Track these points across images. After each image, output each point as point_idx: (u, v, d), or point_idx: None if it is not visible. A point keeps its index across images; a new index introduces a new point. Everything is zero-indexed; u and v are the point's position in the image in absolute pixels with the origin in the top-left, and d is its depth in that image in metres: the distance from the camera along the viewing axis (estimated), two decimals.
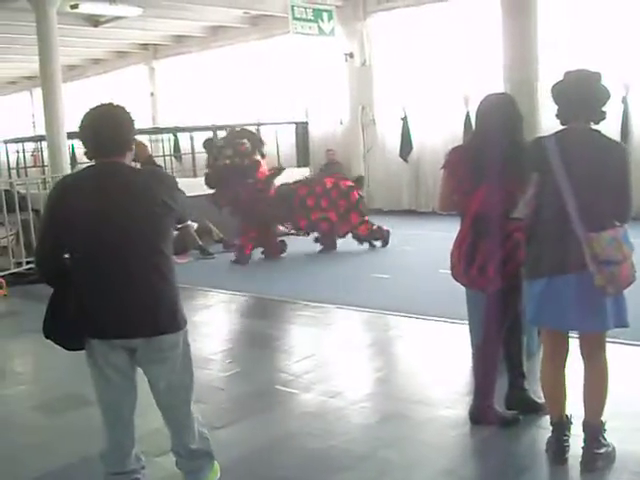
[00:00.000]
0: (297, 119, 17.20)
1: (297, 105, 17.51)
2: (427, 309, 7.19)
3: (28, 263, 9.42)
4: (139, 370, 3.25)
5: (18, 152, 18.95)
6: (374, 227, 11.52)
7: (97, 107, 3.21)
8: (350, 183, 11.57)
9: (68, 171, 10.37)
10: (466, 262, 4.24)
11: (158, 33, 18.95)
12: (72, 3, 13.18)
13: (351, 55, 16.21)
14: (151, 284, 3.11)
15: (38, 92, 15.18)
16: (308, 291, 8.60)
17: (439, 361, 5.89)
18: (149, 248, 3.12)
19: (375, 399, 5.18)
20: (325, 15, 14.83)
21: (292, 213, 11.21)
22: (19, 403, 5.61)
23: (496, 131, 4.15)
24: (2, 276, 9.20)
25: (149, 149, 4.29)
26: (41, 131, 12.69)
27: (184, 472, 3.44)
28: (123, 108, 3.22)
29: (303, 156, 16.98)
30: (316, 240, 11.71)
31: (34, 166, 19.40)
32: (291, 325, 7.71)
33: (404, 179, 15.79)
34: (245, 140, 10.70)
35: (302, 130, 17.18)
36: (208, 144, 11.33)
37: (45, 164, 14.93)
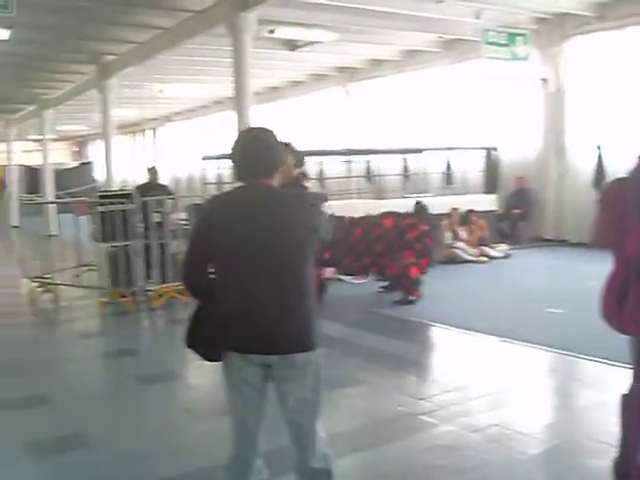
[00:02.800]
0: (487, 144, 16.94)
1: (487, 130, 17.22)
2: (598, 350, 6.63)
3: None
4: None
5: (219, 168, 20.04)
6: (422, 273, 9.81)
7: (249, 130, 3.38)
8: (412, 221, 9.84)
9: None
10: (617, 305, 3.97)
11: (354, 57, 19.35)
12: (270, 28, 13.81)
13: (545, 80, 15.72)
14: (291, 303, 3.19)
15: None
16: (462, 317, 8.42)
17: (598, 407, 5.56)
18: (292, 268, 3.19)
19: (517, 440, 4.93)
20: (519, 39, 14.47)
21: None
22: (171, 405, 5.96)
23: None
24: None
25: (294, 170, 4.41)
26: None
27: None
28: (272, 132, 3.33)
29: (491, 182, 16.69)
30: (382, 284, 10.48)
31: (228, 183, 20.42)
32: (443, 352, 7.58)
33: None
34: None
35: (492, 156, 16.90)
36: None
37: None
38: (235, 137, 3.33)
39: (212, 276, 3.32)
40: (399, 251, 9.62)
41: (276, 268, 3.16)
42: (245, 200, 3.25)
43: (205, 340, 3.30)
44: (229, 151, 3.31)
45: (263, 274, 3.16)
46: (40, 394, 6.33)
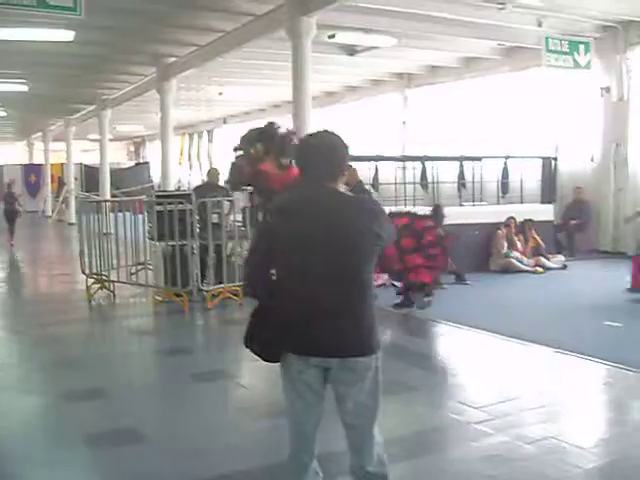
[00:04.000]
0: (545, 154, 16.74)
1: (546, 139, 17.01)
2: None
3: None
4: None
5: None
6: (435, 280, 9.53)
7: (315, 134, 3.39)
8: (428, 223, 9.48)
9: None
10: None
11: (413, 63, 19.31)
12: (330, 33, 13.86)
13: (607, 90, 15.47)
14: (353, 307, 3.20)
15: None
16: (516, 327, 8.32)
17: None
18: (354, 273, 3.21)
19: (573, 453, 4.83)
20: (581, 47, 14.26)
21: None
22: (227, 403, 6.02)
23: None
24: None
25: (358, 175, 4.43)
26: None
27: None
28: (338, 136, 3.35)
29: (548, 192, 16.48)
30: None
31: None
32: (495, 361, 7.52)
33: None
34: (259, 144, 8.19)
35: (550, 165, 16.70)
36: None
37: None
38: (301, 140, 3.35)
39: (274, 277, 3.35)
40: (411, 253, 9.20)
41: (339, 271, 3.17)
42: (310, 202, 3.26)
43: (265, 341, 3.31)
44: (295, 154, 3.36)
45: (326, 276, 3.17)
46: (99, 387, 6.46)
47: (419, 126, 21.15)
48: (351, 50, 16.64)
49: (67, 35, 13.19)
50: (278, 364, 3.32)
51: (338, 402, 3.33)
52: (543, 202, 16.14)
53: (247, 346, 3.39)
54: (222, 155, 31.72)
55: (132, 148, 44.75)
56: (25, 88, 19.69)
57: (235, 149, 8.82)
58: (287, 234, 3.23)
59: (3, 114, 26.02)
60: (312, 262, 3.19)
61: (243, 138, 8.59)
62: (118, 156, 40.65)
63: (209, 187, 11.15)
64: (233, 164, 8.60)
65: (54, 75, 18.58)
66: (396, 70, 20.49)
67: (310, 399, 3.30)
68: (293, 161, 3.58)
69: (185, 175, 33.11)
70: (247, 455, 4.85)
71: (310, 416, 3.35)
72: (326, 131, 3.40)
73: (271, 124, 8.76)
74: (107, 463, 4.84)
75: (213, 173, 11.98)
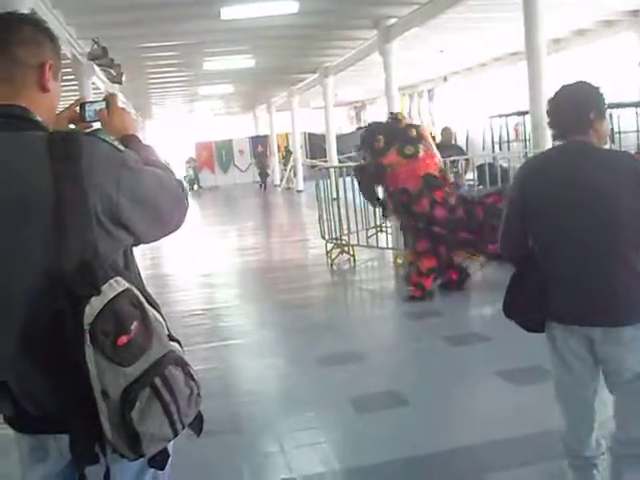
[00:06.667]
0: None
1: None
2: None
3: None
4: None
5: (501, 127, 19.62)
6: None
7: (566, 85, 3.14)
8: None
9: (549, 146, 10.36)
10: None
11: None
12: None
13: None
14: (617, 275, 2.98)
15: (519, 67, 15.50)
16: None
17: None
18: (618, 236, 2.97)
19: None
20: None
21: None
22: (485, 368, 5.88)
23: None
24: None
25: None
26: (524, 106, 12.88)
27: (617, 457, 3.20)
28: (590, 85, 3.11)
29: None
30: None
31: (516, 140, 19.94)
32: None
33: None
34: (380, 136, 8.12)
35: None
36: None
37: (527, 138, 15.19)
38: (553, 92, 3.14)
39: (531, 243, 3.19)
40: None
41: (601, 234, 2.95)
42: (561, 160, 3.07)
43: (523, 310, 3.17)
44: (546, 107, 3.17)
45: (586, 241, 2.97)
46: (355, 351, 6.59)
47: None
48: None
49: (292, 7, 13.47)
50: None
51: (605, 374, 3.12)
52: None
53: (507, 315, 3.25)
54: (443, 114, 31.43)
55: (352, 113, 45.38)
56: (252, 63, 20.46)
57: (357, 149, 8.68)
58: (539, 197, 3.08)
59: (231, 89, 27.24)
60: (570, 225, 3.00)
61: (363, 135, 8.54)
62: (339, 121, 41.43)
63: (445, 146, 10.97)
64: (362, 173, 8.45)
65: (278, 48, 19.10)
66: (629, 8, 19.03)
67: (580, 370, 3.11)
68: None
69: None
70: (509, 423, 4.69)
71: (580, 386, 3.15)
72: (578, 82, 3.15)
73: (392, 114, 8.83)
74: (375, 425, 4.91)
75: (447, 132, 11.77)
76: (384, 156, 8.06)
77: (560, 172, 3.05)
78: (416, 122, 33.86)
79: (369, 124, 8.76)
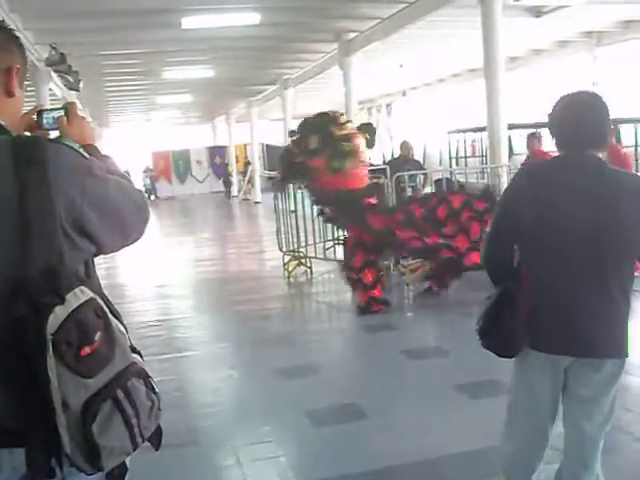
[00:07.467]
0: None
1: None
2: None
3: None
4: None
5: (458, 142, 19.83)
6: None
7: (576, 94, 2.96)
8: (485, 205, 8.14)
9: (505, 161, 10.49)
10: None
11: (602, 20, 18.19)
12: None
13: None
14: (614, 302, 2.83)
15: (477, 84, 15.69)
16: None
17: None
18: (619, 261, 2.83)
19: None
20: None
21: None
22: (442, 381, 5.90)
23: None
24: None
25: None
26: (481, 122, 13.03)
27: None
28: (600, 97, 2.92)
29: None
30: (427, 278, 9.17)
31: (472, 156, 20.18)
32: None
33: None
34: (315, 137, 8.04)
35: None
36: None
37: (484, 154, 15.36)
38: (555, 101, 2.96)
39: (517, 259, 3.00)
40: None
41: (600, 258, 2.79)
42: (566, 173, 2.88)
43: (502, 334, 2.93)
44: (547, 116, 2.96)
45: (583, 262, 2.80)
46: (312, 363, 6.58)
47: (611, 87, 19.96)
48: (537, 12, 15.91)
49: (253, 18, 13.47)
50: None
51: (568, 402, 3.03)
52: None
53: (484, 344, 3.01)
54: (400, 129, 31.65)
55: None
56: (211, 73, 20.41)
57: (291, 133, 8.64)
58: (535, 208, 2.83)
59: (190, 99, 27.12)
60: (566, 243, 2.81)
61: (302, 125, 8.41)
62: None
63: (403, 160, 11.05)
64: (285, 150, 8.42)
65: (239, 59, 19.07)
66: (584, 29, 19.40)
67: (544, 397, 3.00)
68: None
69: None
70: (466, 436, 4.68)
71: (545, 416, 3.04)
72: (586, 91, 3.01)
73: (334, 115, 8.35)
74: (333, 439, 4.86)
75: (405, 146, 11.86)
76: (312, 159, 8.03)
77: (562, 184, 2.86)
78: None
79: (313, 116, 8.41)
